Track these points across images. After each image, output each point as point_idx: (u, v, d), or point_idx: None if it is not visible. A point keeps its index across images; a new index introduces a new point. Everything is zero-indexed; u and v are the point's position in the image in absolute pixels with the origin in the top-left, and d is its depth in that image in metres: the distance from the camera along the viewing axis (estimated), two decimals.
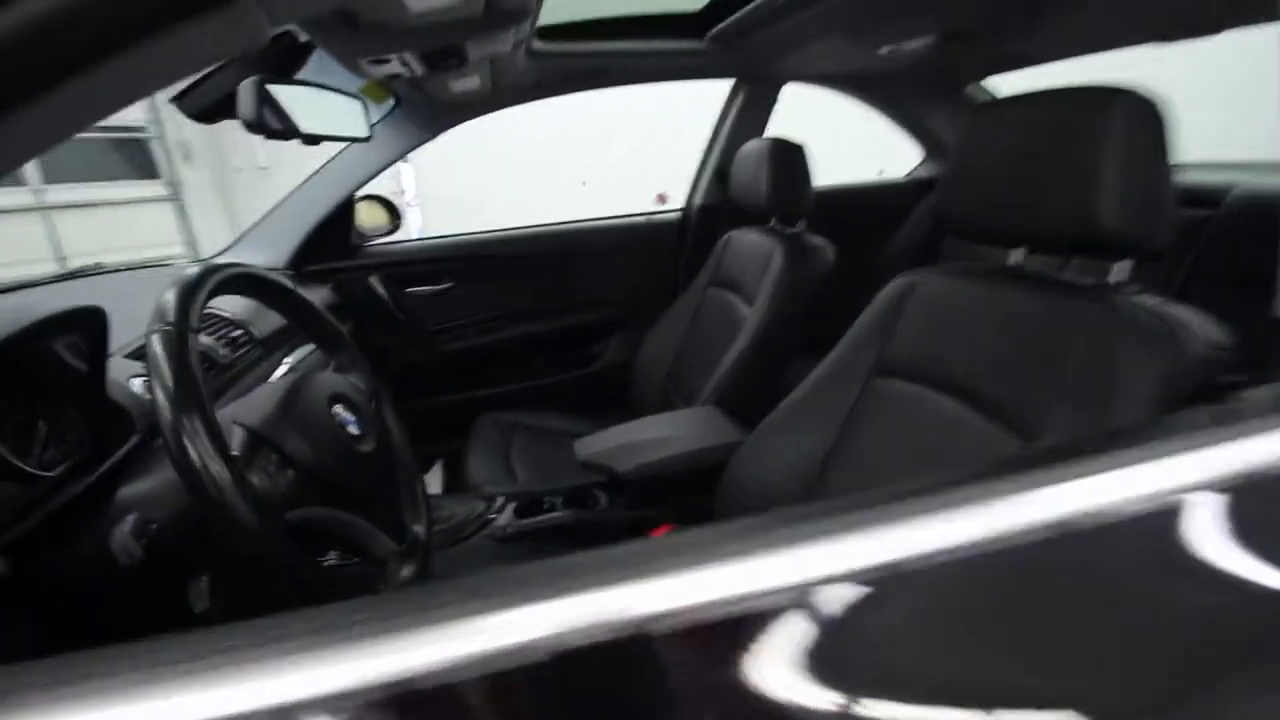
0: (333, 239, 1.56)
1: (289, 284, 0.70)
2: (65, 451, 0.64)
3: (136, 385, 0.73)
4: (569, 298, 1.83)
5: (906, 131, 2.02)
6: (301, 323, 0.77)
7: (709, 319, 1.51)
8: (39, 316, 0.64)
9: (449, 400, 1.78)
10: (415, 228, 6.11)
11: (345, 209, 1.54)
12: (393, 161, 1.50)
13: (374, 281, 1.62)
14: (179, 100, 0.82)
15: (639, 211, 1.88)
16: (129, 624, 0.59)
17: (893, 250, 1.99)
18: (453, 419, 1.65)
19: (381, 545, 0.64)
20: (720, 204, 1.81)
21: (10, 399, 0.61)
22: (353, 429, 0.64)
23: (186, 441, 0.45)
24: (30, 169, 4.93)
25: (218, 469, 0.46)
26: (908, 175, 2.13)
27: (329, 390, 0.65)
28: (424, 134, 1.49)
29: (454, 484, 1.45)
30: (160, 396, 0.46)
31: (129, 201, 5.87)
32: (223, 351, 0.96)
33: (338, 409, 0.64)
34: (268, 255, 1.49)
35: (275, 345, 1.22)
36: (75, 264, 1.28)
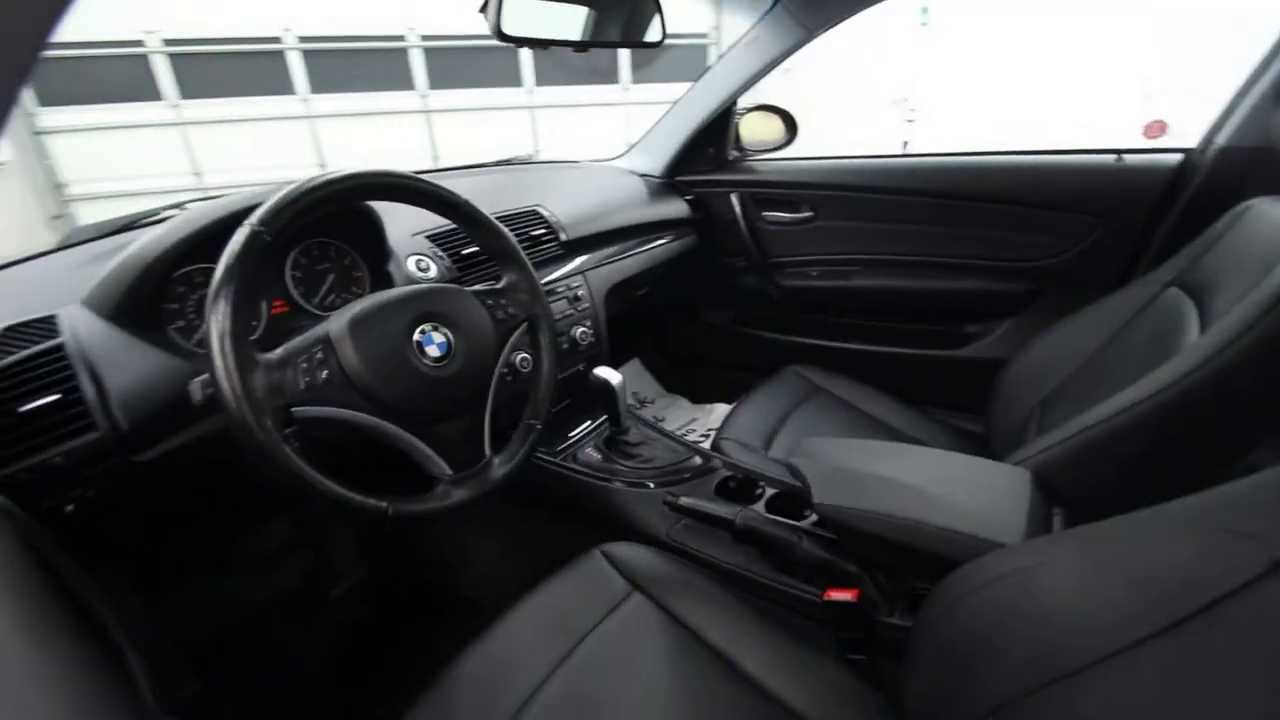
0: (708, 150, 1.55)
1: (445, 191, 0.70)
2: (345, 300, 0.86)
3: (411, 263, 0.91)
4: (955, 256, 1.39)
5: None
6: (469, 230, 0.78)
7: (1145, 334, 0.93)
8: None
9: (769, 338, 1.66)
10: (909, 146, 5.66)
11: (723, 119, 1.50)
12: (771, 67, 1.35)
13: (734, 199, 1.57)
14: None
15: (1108, 149, 1.22)
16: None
17: None
18: (766, 358, 1.54)
19: (434, 466, 0.65)
20: (1265, 148, 1.01)
21: (320, 246, 0.83)
22: (432, 350, 0.64)
23: (211, 320, 0.53)
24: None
25: (225, 346, 0.52)
26: None
27: (426, 308, 0.65)
28: (807, 32, 1.27)
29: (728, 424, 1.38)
30: (214, 280, 0.55)
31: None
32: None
33: (426, 328, 0.65)
34: (649, 163, 1.60)
35: (623, 237, 1.34)
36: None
